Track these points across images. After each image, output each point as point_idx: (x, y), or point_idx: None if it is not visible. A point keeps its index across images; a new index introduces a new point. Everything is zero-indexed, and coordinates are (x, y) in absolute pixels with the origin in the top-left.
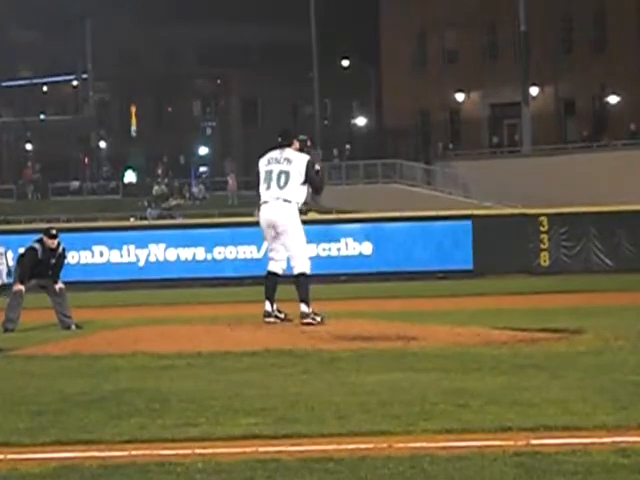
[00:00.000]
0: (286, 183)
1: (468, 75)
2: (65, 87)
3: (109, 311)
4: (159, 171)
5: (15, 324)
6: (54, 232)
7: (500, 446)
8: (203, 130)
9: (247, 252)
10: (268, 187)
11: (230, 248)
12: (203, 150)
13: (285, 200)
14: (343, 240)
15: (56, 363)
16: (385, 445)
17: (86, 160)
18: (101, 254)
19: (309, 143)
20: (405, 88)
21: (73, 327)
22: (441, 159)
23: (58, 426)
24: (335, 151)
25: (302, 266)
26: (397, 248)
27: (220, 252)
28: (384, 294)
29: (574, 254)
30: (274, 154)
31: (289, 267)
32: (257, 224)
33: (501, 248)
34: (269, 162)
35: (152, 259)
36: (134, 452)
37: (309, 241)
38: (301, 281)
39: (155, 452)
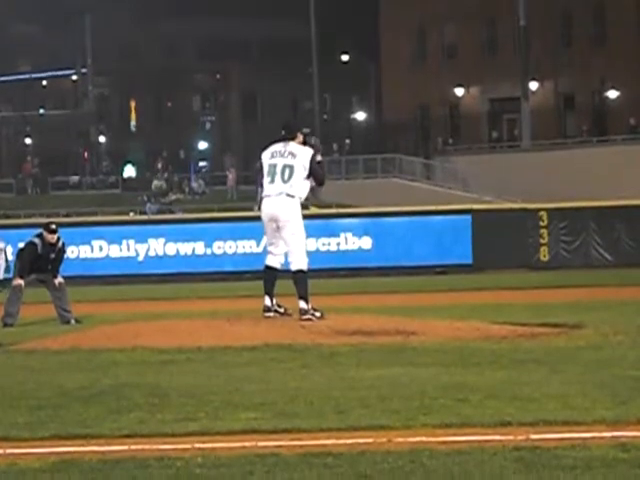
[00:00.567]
0: (290, 177)
1: (468, 70)
2: (65, 82)
3: (108, 306)
4: (159, 166)
5: (15, 319)
6: (54, 227)
7: (500, 441)
8: (203, 125)
9: (247, 247)
10: (272, 181)
11: (230, 243)
12: (203, 145)
13: (288, 195)
14: (342, 235)
15: (55, 358)
16: (384, 440)
17: (86, 155)
18: (100, 249)
19: (313, 141)
20: (404, 83)
21: (72, 322)
22: (441, 154)
23: (57, 421)
24: (335, 146)
25: (300, 263)
26: (397, 243)
27: (219, 247)
28: (383, 289)
29: (574, 249)
30: (278, 147)
31: (287, 262)
32: (257, 219)
33: (501, 243)
34: (273, 155)
35: (151, 254)
36: (133, 447)
37: (309, 236)
38: (299, 277)
39: (154, 447)
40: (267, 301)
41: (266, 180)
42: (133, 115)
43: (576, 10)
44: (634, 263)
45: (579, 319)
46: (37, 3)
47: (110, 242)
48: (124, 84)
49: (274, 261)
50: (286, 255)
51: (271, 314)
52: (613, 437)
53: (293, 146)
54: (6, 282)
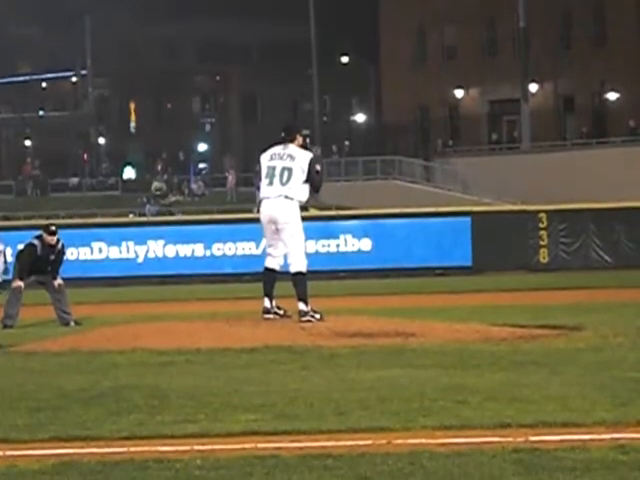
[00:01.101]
0: (288, 180)
1: (467, 71)
2: (64, 83)
3: (108, 307)
4: (158, 167)
5: (14, 320)
6: (53, 228)
7: (499, 442)
8: (202, 127)
9: (246, 248)
10: (270, 183)
11: (229, 244)
12: (202, 147)
13: (287, 197)
14: (342, 236)
15: (55, 359)
16: (384, 441)
17: (85, 156)
18: (100, 250)
19: (307, 140)
20: (404, 84)
21: (72, 323)
22: (440, 155)
23: (57, 422)
24: (334, 147)
25: (299, 265)
26: (396, 244)
27: (219, 248)
28: (383, 290)
29: (573, 251)
30: (277, 150)
31: (286, 264)
32: (256, 221)
33: (500, 245)
34: (272, 158)
35: (151, 255)
36: (133, 448)
37: (308, 237)
38: (298, 279)
39: (154, 448)
40: (267, 303)
41: (264, 182)
42: (133, 117)
43: (576, 11)
44: (633, 265)
45: (579, 321)
46: (37, 5)
47: (110, 244)
48: (124, 86)
49: (273, 263)
50: (285, 257)
51: (270, 316)
52: (613, 439)
53: (292, 149)
54: (5, 284)
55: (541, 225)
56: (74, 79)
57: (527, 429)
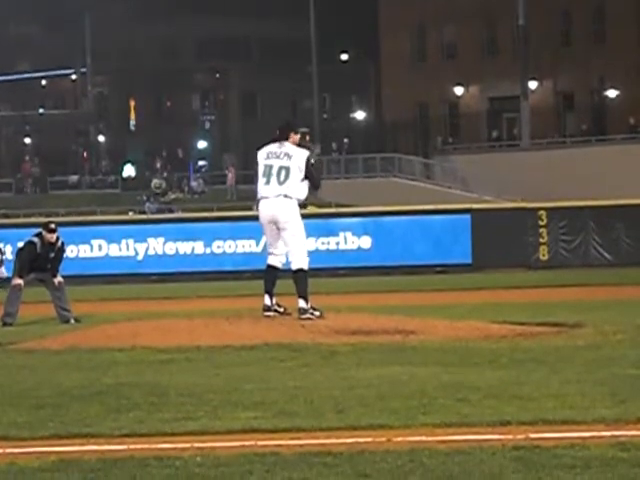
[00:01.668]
0: (286, 179)
1: (467, 69)
2: (64, 81)
3: (108, 305)
4: (158, 165)
5: (14, 318)
6: (53, 226)
7: (499, 440)
8: (202, 124)
9: (246, 246)
10: (268, 182)
11: (229, 242)
12: (202, 144)
13: (286, 196)
14: (342, 234)
15: (55, 357)
16: (384, 439)
17: (85, 154)
18: (100, 248)
19: (307, 138)
20: (404, 82)
21: (72, 321)
22: (440, 153)
23: (57, 420)
24: (334, 145)
25: (300, 262)
26: (396, 242)
27: (219, 246)
28: (383, 288)
29: (573, 248)
30: (273, 148)
31: (287, 261)
32: (256, 218)
33: (500, 242)
34: (268, 156)
35: (151, 253)
36: (133, 446)
37: (308, 235)
38: (299, 277)
39: (154, 446)
40: (267, 300)
41: (261, 181)
42: (132, 114)
43: (575, 9)
44: (633, 262)
45: (578, 318)
46: (36, 3)
47: (109, 241)
48: (123, 83)
49: (275, 261)
50: (287, 254)
51: (271, 313)
52: (612, 436)
53: (289, 147)
54: (6, 282)
55: (541, 222)
56: (74, 77)
57: (527, 427)
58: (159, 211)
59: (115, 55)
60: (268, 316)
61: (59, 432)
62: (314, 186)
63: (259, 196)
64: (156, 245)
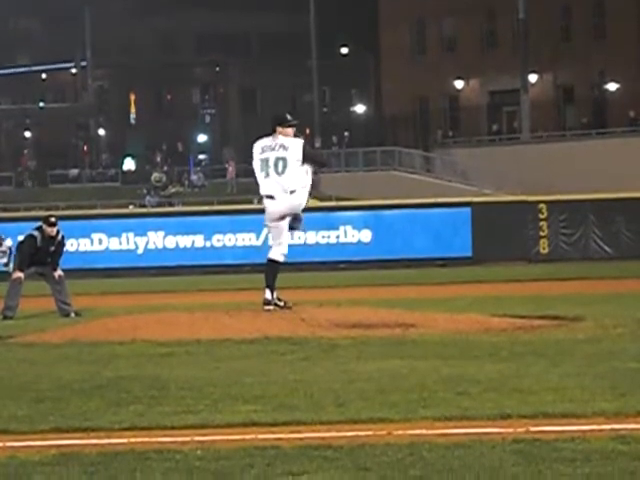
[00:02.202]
0: (284, 169)
1: (467, 62)
2: (64, 75)
3: (108, 298)
4: (158, 159)
5: (14, 311)
6: (53, 220)
7: (499, 433)
8: (202, 118)
9: (246, 239)
10: (267, 175)
11: (229, 235)
12: (202, 138)
13: (292, 192)
14: (342, 228)
15: (55, 350)
16: (384, 432)
17: (85, 148)
18: (100, 241)
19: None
20: (404, 76)
21: (72, 314)
22: (440, 146)
23: (57, 413)
24: (334, 139)
25: (278, 254)
26: (396, 235)
27: (219, 240)
28: (383, 282)
29: (573, 241)
30: (267, 141)
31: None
32: (256, 212)
33: (500, 235)
34: (263, 150)
35: (151, 246)
36: (133, 439)
37: (309, 228)
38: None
39: (154, 439)
40: (268, 294)
41: (260, 176)
42: (132, 108)
43: (575, 3)
44: (633, 256)
45: (578, 312)
46: None
47: (110, 235)
48: (124, 77)
49: (277, 254)
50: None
51: (271, 307)
52: (612, 429)
53: (282, 139)
54: (5, 275)
55: (541, 216)
56: (74, 70)
57: (527, 420)
58: (159, 205)
59: (115, 49)
60: (268, 310)
61: (59, 426)
62: (321, 164)
63: (263, 193)
64: (156, 239)
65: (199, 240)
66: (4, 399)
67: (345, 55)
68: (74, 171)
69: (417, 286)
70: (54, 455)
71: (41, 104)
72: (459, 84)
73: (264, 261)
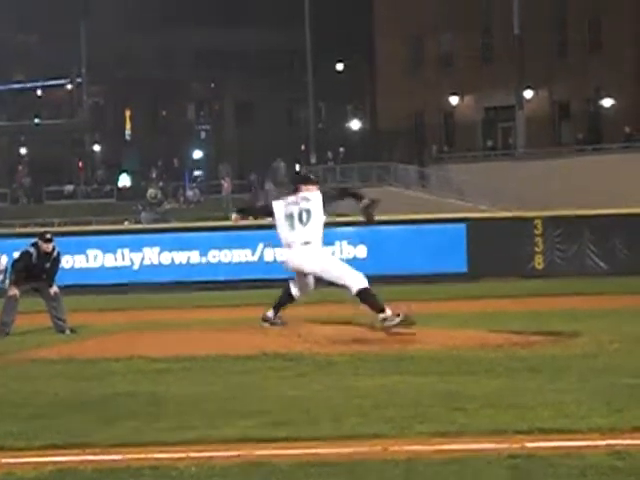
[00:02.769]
0: (308, 219)
1: (462, 78)
2: (60, 91)
3: (104, 315)
4: (153, 175)
5: (10, 328)
6: (49, 236)
7: (495, 449)
8: (197, 134)
9: (242, 256)
10: (292, 227)
11: (225, 252)
12: (197, 154)
13: (307, 243)
14: (338, 243)
15: (51, 367)
16: (380, 448)
17: (80, 164)
18: (95, 258)
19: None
20: (400, 91)
21: (68, 331)
22: (435, 162)
23: (53, 430)
24: (329, 154)
25: (356, 283)
26: (392, 251)
27: (215, 256)
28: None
29: (569, 257)
30: (289, 199)
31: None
32: (251, 228)
33: (496, 251)
34: (287, 205)
35: (147, 263)
36: (129, 456)
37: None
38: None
39: (150, 456)
40: (270, 313)
41: (284, 228)
42: (128, 124)
43: (571, 18)
44: (629, 272)
45: (574, 327)
46: (32, 12)
47: (105, 251)
48: (119, 93)
49: (297, 294)
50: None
51: (267, 324)
52: (608, 445)
53: (304, 193)
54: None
55: (536, 231)
56: (69, 87)
57: (523, 435)
58: (155, 221)
59: (111, 65)
60: (264, 326)
61: (56, 442)
62: (355, 196)
63: (284, 242)
64: (152, 255)
65: (195, 256)
66: (0, 415)
67: (341, 71)
68: (69, 187)
69: (412, 302)
70: (50, 471)
71: (36, 120)
72: (454, 100)
73: (260, 277)
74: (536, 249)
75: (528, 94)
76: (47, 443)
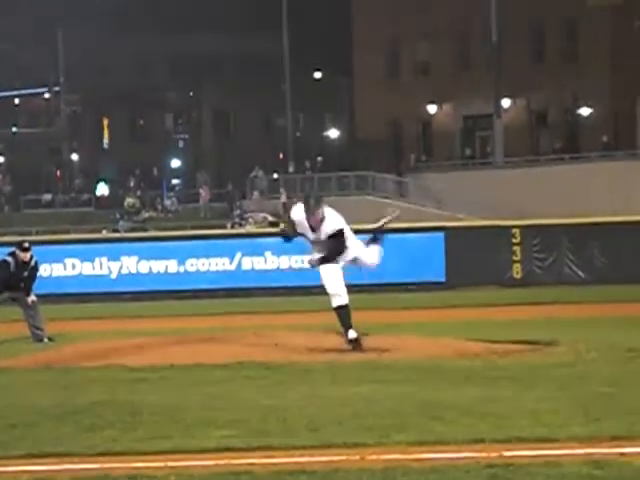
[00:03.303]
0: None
1: (440, 87)
2: (37, 100)
3: (82, 324)
4: (131, 184)
5: None
6: (27, 245)
7: (473, 458)
8: (175, 142)
9: (220, 264)
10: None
11: (203, 260)
12: (175, 163)
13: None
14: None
15: (28, 376)
16: (358, 457)
17: (58, 173)
18: (73, 266)
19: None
20: (377, 100)
21: (45, 340)
22: (413, 171)
23: (31, 439)
24: (307, 163)
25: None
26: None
27: (193, 264)
28: (357, 306)
29: (547, 266)
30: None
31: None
32: (230, 236)
33: (473, 260)
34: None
35: (124, 271)
36: (107, 465)
37: (282, 253)
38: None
39: (127, 465)
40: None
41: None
42: (106, 133)
43: (548, 27)
44: (607, 280)
45: (552, 336)
46: (9, 20)
47: (83, 260)
48: (97, 102)
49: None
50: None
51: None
52: (586, 454)
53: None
54: None
55: (514, 240)
56: (47, 95)
57: (501, 444)
58: (133, 230)
59: (88, 74)
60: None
61: (32, 451)
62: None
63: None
64: (130, 264)
65: (172, 265)
66: None
67: (318, 79)
68: (47, 196)
69: (390, 311)
70: None
71: (14, 129)
72: (432, 108)
73: (238, 286)
74: (514, 258)
75: (506, 103)
76: (24, 452)
